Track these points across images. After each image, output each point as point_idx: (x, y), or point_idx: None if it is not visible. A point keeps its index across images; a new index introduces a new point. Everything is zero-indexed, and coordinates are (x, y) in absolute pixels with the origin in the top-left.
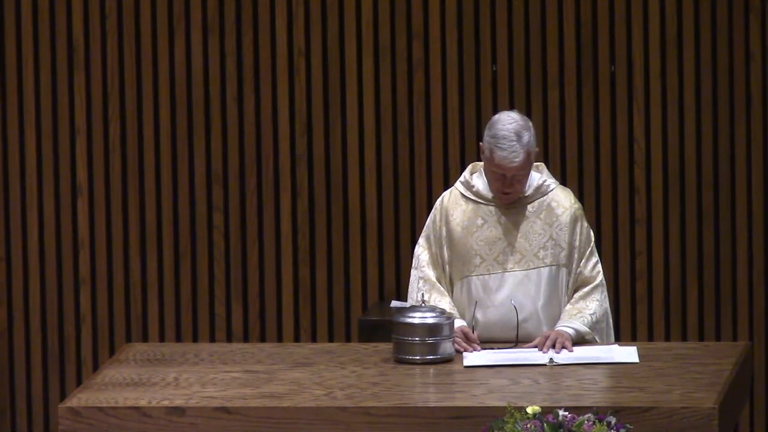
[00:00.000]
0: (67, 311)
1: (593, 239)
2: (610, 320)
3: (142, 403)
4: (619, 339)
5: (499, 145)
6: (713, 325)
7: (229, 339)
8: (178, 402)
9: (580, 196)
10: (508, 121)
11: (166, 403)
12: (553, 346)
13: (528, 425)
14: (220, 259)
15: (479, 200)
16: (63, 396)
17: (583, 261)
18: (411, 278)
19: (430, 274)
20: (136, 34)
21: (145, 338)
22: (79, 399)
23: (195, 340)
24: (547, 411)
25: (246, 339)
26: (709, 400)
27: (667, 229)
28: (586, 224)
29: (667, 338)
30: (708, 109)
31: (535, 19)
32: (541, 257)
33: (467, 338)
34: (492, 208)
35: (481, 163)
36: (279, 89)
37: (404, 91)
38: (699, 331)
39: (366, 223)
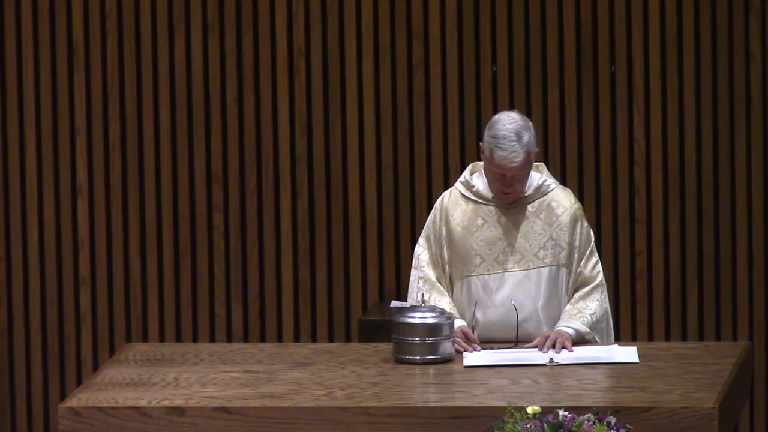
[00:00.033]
0: (67, 311)
1: (593, 239)
2: (610, 320)
3: (142, 403)
4: (619, 339)
5: (499, 145)
6: (713, 325)
7: (229, 339)
8: (178, 402)
9: (580, 196)
10: (508, 121)
11: (166, 403)
12: (553, 346)
13: (528, 425)
14: (220, 259)
15: (479, 200)
16: (63, 396)
17: (583, 261)
18: (411, 278)
19: (430, 274)
20: (136, 34)
21: (145, 338)
22: (79, 399)
23: (195, 340)
24: (547, 411)
25: (246, 339)
26: (709, 400)
27: (667, 229)
28: (586, 224)
29: (667, 338)
30: (708, 109)
31: (535, 19)
32: (541, 257)
33: (467, 338)
34: (492, 208)
35: (481, 163)
36: (279, 89)
37: (404, 91)
38: (699, 331)
39: (366, 223)
